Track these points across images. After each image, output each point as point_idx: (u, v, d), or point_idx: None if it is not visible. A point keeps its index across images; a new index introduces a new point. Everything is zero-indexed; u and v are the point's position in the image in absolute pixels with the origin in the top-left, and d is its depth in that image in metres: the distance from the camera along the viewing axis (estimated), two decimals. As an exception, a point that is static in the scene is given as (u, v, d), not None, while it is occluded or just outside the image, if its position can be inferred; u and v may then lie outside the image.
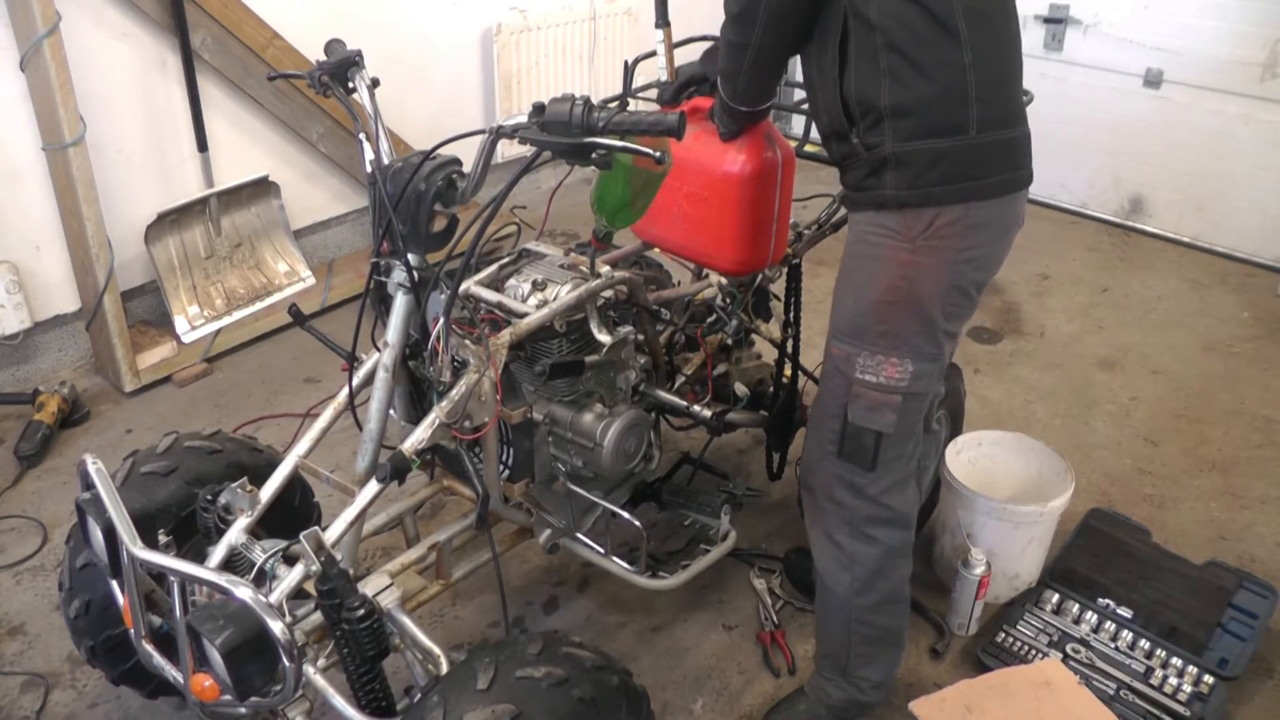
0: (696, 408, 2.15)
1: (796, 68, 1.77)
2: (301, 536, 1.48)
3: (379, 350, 1.73)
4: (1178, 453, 3.05)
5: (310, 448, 1.75)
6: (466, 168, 1.62)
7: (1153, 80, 4.42)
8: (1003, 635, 2.25)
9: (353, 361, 1.77)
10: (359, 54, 1.82)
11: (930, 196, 1.59)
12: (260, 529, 1.68)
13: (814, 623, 2.05)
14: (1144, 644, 2.23)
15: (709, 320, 2.41)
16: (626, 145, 1.38)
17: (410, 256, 1.64)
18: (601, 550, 2.07)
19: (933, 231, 1.60)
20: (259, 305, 3.60)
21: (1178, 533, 2.68)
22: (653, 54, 3.15)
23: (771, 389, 2.53)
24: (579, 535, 2.08)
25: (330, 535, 1.53)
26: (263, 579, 1.58)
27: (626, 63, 2.76)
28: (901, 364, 1.66)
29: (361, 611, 1.47)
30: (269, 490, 1.70)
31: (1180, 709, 2.07)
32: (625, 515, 1.99)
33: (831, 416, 1.75)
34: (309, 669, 1.55)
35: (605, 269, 1.95)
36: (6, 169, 3.04)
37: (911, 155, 1.57)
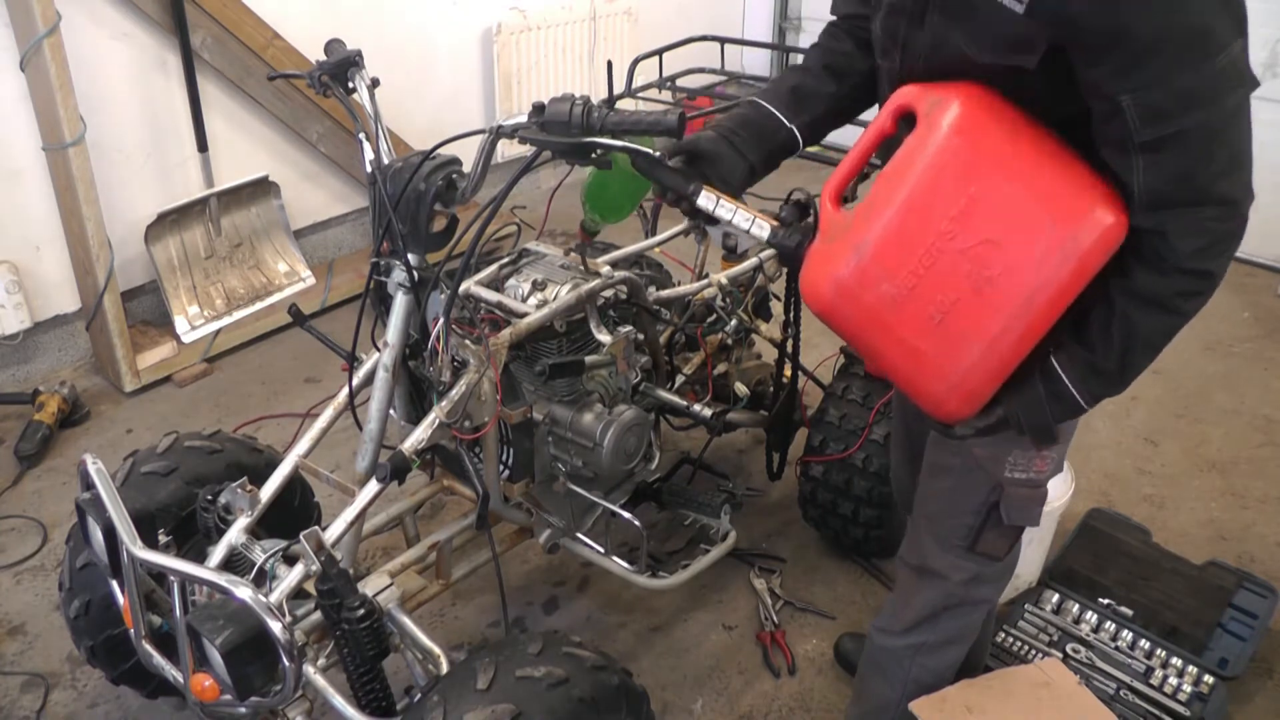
0: (696, 408, 2.15)
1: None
2: (301, 536, 1.48)
3: (379, 350, 1.73)
4: (1178, 453, 3.05)
5: (310, 448, 1.75)
6: (466, 168, 1.62)
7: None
8: (1003, 635, 2.25)
9: (353, 361, 1.77)
10: (359, 54, 1.81)
11: None
12: (260, 529, 1.68)
13: (855, 683, 1.97)
14: (1144, 644, 2.23)
15: (709, 320, 2.41)
16: (626, 145, 1.38)
17: (410, 256, 1.64)
18: (601, 550, 2.07)
19: None
20: (259, 305, 3.60)
21: (1178, 533, 2.68)
22: (653, 54, 3.16)
23: (771, 389, 2.53)
24: (579, 535, 2.08)
25: (330, 535, 1.53)
26: (263, 579, 1.58)
27: (610, 64, 2.75)
28: (1050, 454, 1.50)
29: (361, 611, 1.47)
30: (269, 490, 1.70)
31: (1180, 709, 2.07)
32: (625, 515, 1.99)
33: (964, 513, 1.57)
34: (309, 669, 1.55)
35: (605, 269, 1.95)
36: (6, 169, 3.04)
37: None
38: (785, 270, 2.39)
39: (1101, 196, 1.15)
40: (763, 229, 1.33)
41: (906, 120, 1.22)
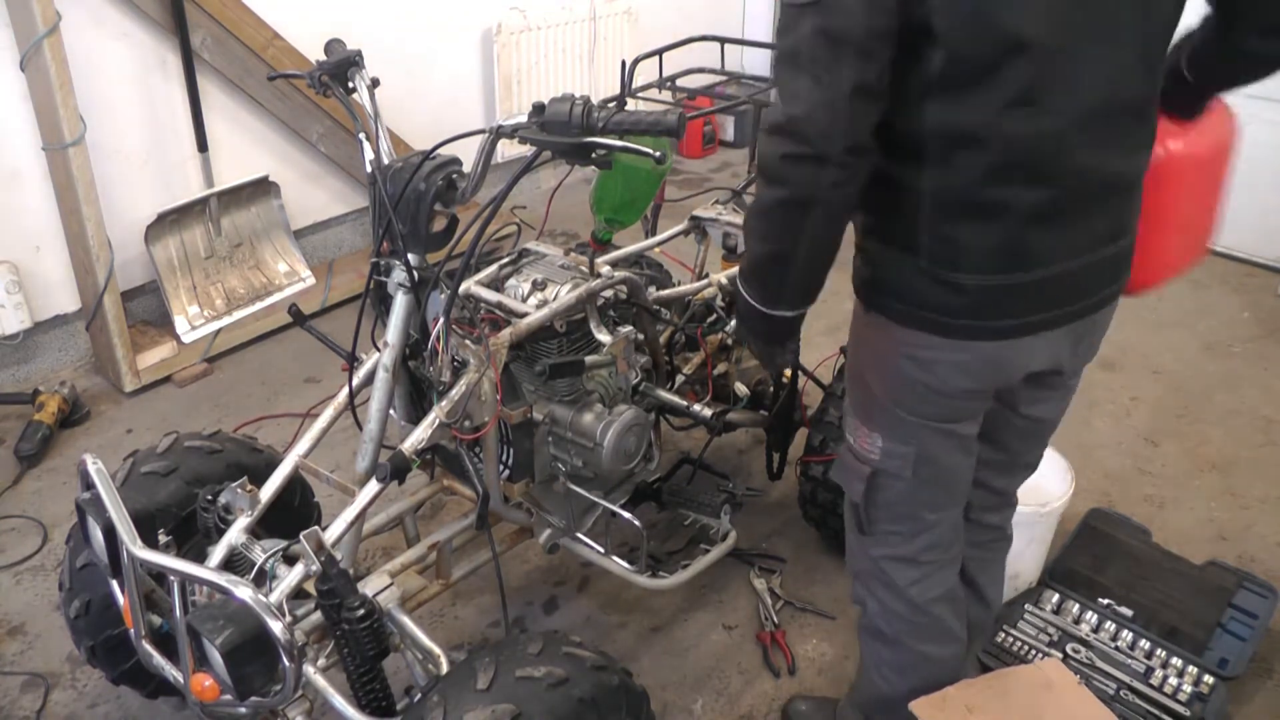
0: (696, 407, 2.15)
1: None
2: (301, 536, 1.48)
3: (379, 350, 1.73)
4: (1178, 453, 3.05)
5: (310, 448, 1.75)
6: (466, 168, 1.62)
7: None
8: (1003, 635, 2.25)
9: (353, 361, 1.77)
10: (359, 54, 1.82)
11: None
12: (260, 529, 1.68)
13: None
14: (1144, 644, 2.23)
15: (709, 320, 2.41)
16: (626, 145, 1.38)
17: (410, 256, 1.64)
18: (601, 550, 2.07)
19: None
20: (259, 305, 3.60)
21: (1178, 533, 2.68)
22: (653, 54, 3.15)
23: (771, 389, 2.53)
24: (579, 535, 2.08)
25: (330, 535, 1.53)
26: (263, 579, 1.58)
27: (624, 62, 2.75)
28: (871, 436, 1.59)
29: (361, 611, 1.47)
30: (269, 490, 1.70)
31: (1180, 709, 2.07)
32: (625, 515, 1.99)
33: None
34: (309, 669, 1.55)
35: (605, 269, 1.95)
36: (6, 169, 3.04)
37: None
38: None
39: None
40: None
41: None
